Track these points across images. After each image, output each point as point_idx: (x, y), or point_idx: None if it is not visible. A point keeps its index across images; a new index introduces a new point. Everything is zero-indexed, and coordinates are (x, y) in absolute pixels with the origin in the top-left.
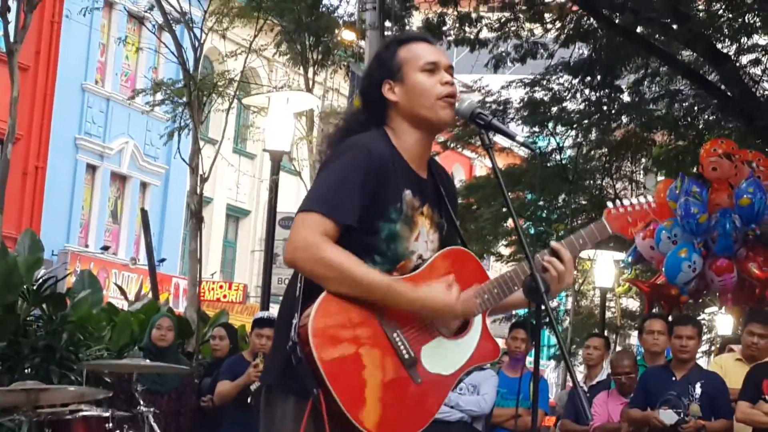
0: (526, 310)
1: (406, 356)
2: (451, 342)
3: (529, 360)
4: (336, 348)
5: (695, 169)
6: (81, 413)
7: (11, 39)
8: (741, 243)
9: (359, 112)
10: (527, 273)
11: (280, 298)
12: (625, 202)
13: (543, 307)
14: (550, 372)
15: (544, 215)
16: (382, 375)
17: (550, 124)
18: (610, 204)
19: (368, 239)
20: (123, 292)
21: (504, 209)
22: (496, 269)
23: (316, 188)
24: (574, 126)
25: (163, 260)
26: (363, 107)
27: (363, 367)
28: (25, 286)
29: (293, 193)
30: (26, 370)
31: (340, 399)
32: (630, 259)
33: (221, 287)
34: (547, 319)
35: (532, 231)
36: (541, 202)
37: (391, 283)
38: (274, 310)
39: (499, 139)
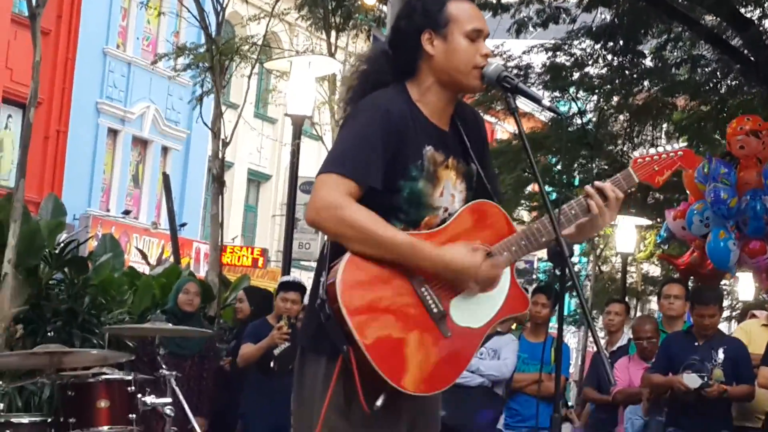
0: (548, 275)
1: (435, 310)
2: (479, 295)
3: (551, 325)
4: (364, 303)
5: (717, 135)
6: (103, 376)
7: (33, 3)
8: None
9: (386, 55)
10: (569, 219)
11: (301, 262)
12: (651, 150)
13: (566, 271)
14: (571, 337)
15: (565, 180)
16: (412, 329)
17: (572, 89)
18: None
19: (390, 198)
20: (144, 256)
21: (527, 173)
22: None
23: (336, 149)
24: (596, 91)
25: (184, 224)
26: (391, 48)
27: (392, 322)
28: (47, 250)
29: (315, 157)
30: (48, 334)
31: (369, 354)
32: (664, 235)
33: (242, 251)
34: (570, 284)
35: (553, 196)
36: (559, 167)
37: (414, 241)
38: (295, 274)
39: (521, 104)
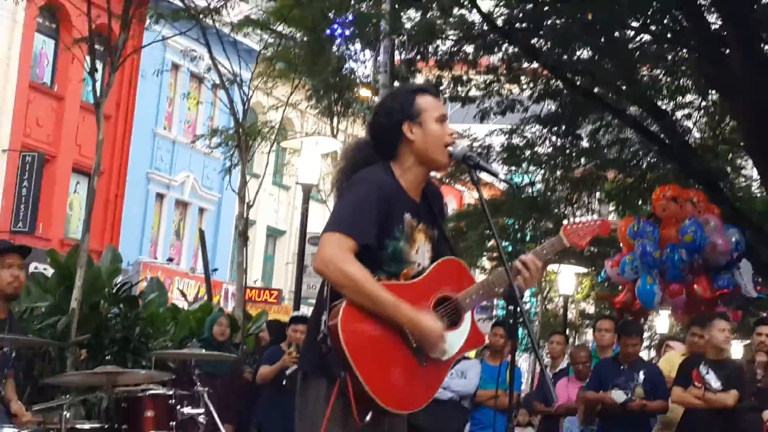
0: (504, 312)
1: (414, 345)
2: (449, 333)
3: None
4: (360, 340)
5: (639, 201)
6: (150, 392)
7: (98, 94)
8: (687, 271)
9: (365, 145)
10: (506, 281)
11: (309, 300)
12: (577, 220)
13: (518, 310)
14: (522, 362)
15: (519, 236)
16: (397, 360)
17: (524, 164)
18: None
19: (378, 253)
20: (184, 295)
21: (488, 231)
22: (480, 279)
23: (338, 213)
24: (543, 165)
25: (216, 270)
26: (374, 139)
27: (381, 355)
28: (106, 290)
29: (320, 217)
30: (107, 357)
31: (364, 380)
32: (601, 278)
33: (262, 292)
34: (521, 320)
35: (510, 248)
36: (516, 226)
37: (397, 303)
38: (305, 310)
39: (484, 176)
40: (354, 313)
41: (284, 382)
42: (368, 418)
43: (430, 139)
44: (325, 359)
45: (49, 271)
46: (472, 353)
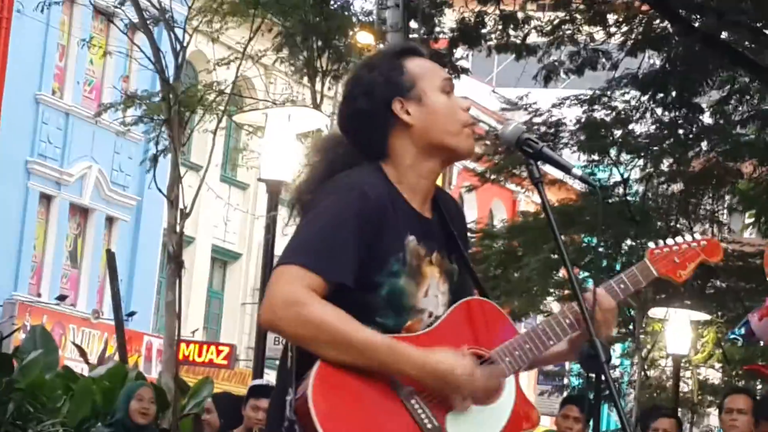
0: (580, 381)
1: (429, 426)
2: (480, 408)
3: None
4: (345, 423)
5: None
6: None
7: None
8: None
9: (340, 143)
10: (565, 330)
11: (277, 362)
12: (669, 241)
13: (603, 378)
14: None
15: (605, 263)
16: None
17: (613, 151)
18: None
19: (367, 298)
20: (83, 352)
21: (555, 255)
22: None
23: (299, 236)
24: (642, 154)
25: (132, 314)
26: (351, 134)
27: None
28: None
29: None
30: None
31: None
32: (739, 333)
33: (205, 348)
34: (607, 393)
35: (589, 283)
36: (601, 248)
37: (393, 343)
38: (268, 377)
39: (550, 170)
40: (332, 380)
41: None
42: None
43: (438, 117)
44: None
45: None
46: None
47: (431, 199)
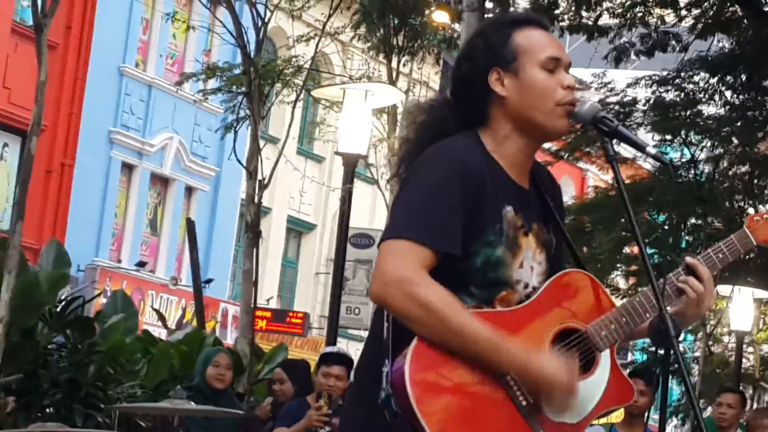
0: (645, 356)
1: (524, 403)
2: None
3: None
4: (441, 397)
5: None
6: None
7: (39, 12)
8: None
9: (446, 105)
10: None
11: (349, 330)
12: None
13: (672, 353)
14: None
15: (671, 240)
16: (497, 427)
17: (683, 132)
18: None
19: (462, 267)
20: (162, 318)
21: (624, 233)
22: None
23: (403, 208)
24: (711, 135)
25: (209, 281)
26: (455, 98)
27: (475, 419)
28: (47, 308)
29: (368, 205)
30: (46, 410)
31: None
32: None
33: (280, 315)
34: (675, 367)
35: (656, 259)
36: (668, 225)
37: (496, 339)
38: (343, 345)
39: (623, 149)
40: (431, 359)
41: None
42: None
43: (531, 93)
44: (388, 428)
45: None
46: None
47: (530, 170)
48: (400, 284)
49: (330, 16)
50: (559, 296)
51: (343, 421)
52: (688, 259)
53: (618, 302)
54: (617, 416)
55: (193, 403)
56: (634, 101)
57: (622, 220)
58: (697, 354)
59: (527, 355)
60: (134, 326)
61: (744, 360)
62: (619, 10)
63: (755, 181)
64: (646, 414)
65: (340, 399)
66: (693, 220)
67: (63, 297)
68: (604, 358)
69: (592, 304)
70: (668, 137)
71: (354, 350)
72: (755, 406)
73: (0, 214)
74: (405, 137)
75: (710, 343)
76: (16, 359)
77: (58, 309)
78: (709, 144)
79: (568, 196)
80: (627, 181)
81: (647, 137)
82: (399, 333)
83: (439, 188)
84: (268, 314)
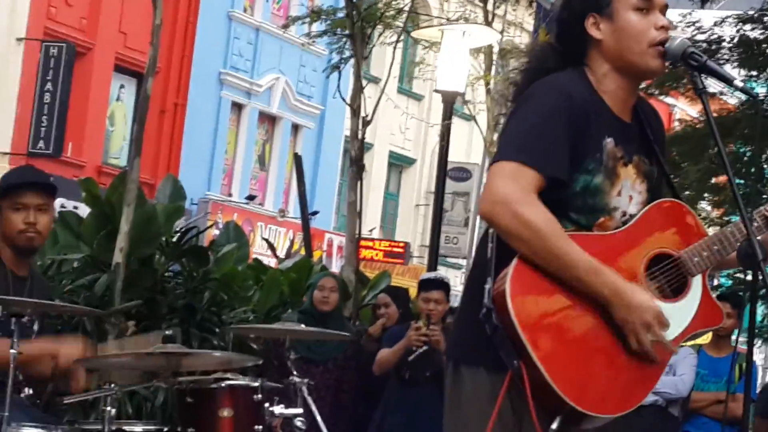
0: (731, 281)
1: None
2: (668, 305)
3: (735, 339)
4: (538, 313)
5: None
6: (227, 382)
7: None
8: None
9: (552, 47)
10: (756, 230)
11: (447, 258)
12: None
13: (760, 277)
14: (758, 354)
15: (753, 171)
16: (592, 343)
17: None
18: None
19: (562, 193)
20: (272, 247)
21: (713, 164)
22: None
23: (513, 134)
24: None
25: (316, 213)
26: (558, 41)
27: (570, 334)
28: (163, 238)
29: (465, 140)
30: (165, 332)
31: (546, 370)
32: None
33: (382, 245)
34: (763, 291)
35: (743, 190)
36: (753, 157)
37: (595, 266)
38: (442, 272)
39: (711, 84)
40: (530, 277)
41: (403, 373)
42: (555, 426)
43: (625, 35)
44: (489, 342)
45: (84, 210)
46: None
47: (632, 106)
48: (508, 203)
49: None
50: (655, 223)
51: (449, 338)
52: None
53: (709, 231)
54: (705, 338)
55: (303, 325)
56: (720, 39)
57: (710, 150)
58: None
59: (621, 283)
60: (246, 255)
61: None
62: None
63: None
64: (732, 336)
65: (440, 321)
66: None
67: (178, 228)
68: (696, 283)
69: (687, 232)
70: (754, 73)
71: (453, 277)
72: None
73: (117, 151)
74: (513, 80)
75: None
76: (136, 286)
77: (174, 239)
78: None
79: None
80: (714, 115)
81: (734, 72)
82: (502, 253)
83: (547, 117)
84: (373, 244)
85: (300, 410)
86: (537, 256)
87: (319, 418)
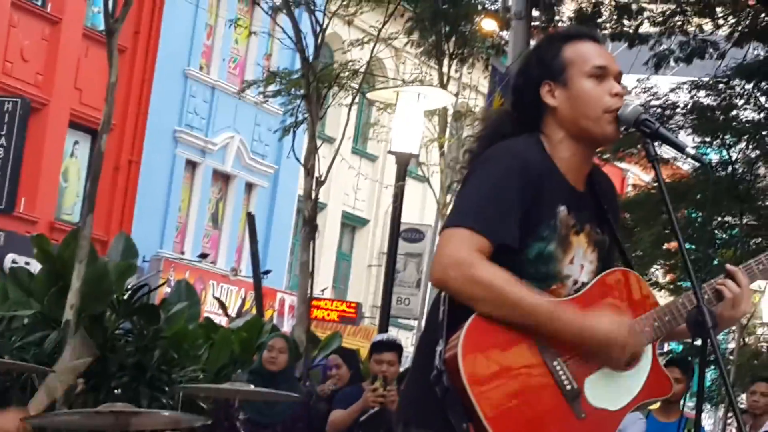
0: (681, 346)
1: (569, 387)
2: (618, 374)
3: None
4: (488, 374)
5: None
6: None
7: (110, 17)
8: None
9: (508, 113)
10: (706, 302)
11: (399, 319)
12: None
13: (708, 342)
14: (706, 419)
15: (705, 236)
16: (542, 408)
17: (720, 134)
18: None
19: (515, 259)
20: (223, 306)
21: (666, 230)
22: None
23: (465, 200)
24: (747, 137)
25: (268, 272)
26: (514, 108)
27: (520, 399)
28: (115, 296)
29: (419, 202)
30: (114, 391)
31: None
32: None
33: (334, 305)
34: (712, 357)
35: (694, 255)
36: (704, 222)
37: (556, 307)
38: (392, 333)
39: (661, 150)
40: (482, 337)
41: None
42: None
43: (579, 103)
44: (439, 404)
45: (35, 267)
46: None
47: (587, 174)
48: (459, 266)
49: (385, 22)
50: (606, 292)
51: (400, 400)
52: (729, 266)
53: (658, 295)
54: (655, 403)
55: (252, 385)
56: (675, 105)
57: (663, 215)
58: (731, 345)
59: (582, 318)
60: (197, 314)
61: None
62: (659, 19)
63: None
64: (681, 401)
65: (393, 382)
66: (729, 218)
67: (130, 286)
68: (647, 352)
69: (637, 302)
70: (707, 139)
71: (404, 338)
72: None
73: (71, 208)
74: (468, 147)
75: (744, 335)
76: (87, 345)
77: (125, 297)
78: (744, 146)
79: None
80: (667, 180)
81: (688, 138)
82: (454, 316)
83: (499, 183)
84: (324, 304)
85: None
86: (496, 310)
87: None
